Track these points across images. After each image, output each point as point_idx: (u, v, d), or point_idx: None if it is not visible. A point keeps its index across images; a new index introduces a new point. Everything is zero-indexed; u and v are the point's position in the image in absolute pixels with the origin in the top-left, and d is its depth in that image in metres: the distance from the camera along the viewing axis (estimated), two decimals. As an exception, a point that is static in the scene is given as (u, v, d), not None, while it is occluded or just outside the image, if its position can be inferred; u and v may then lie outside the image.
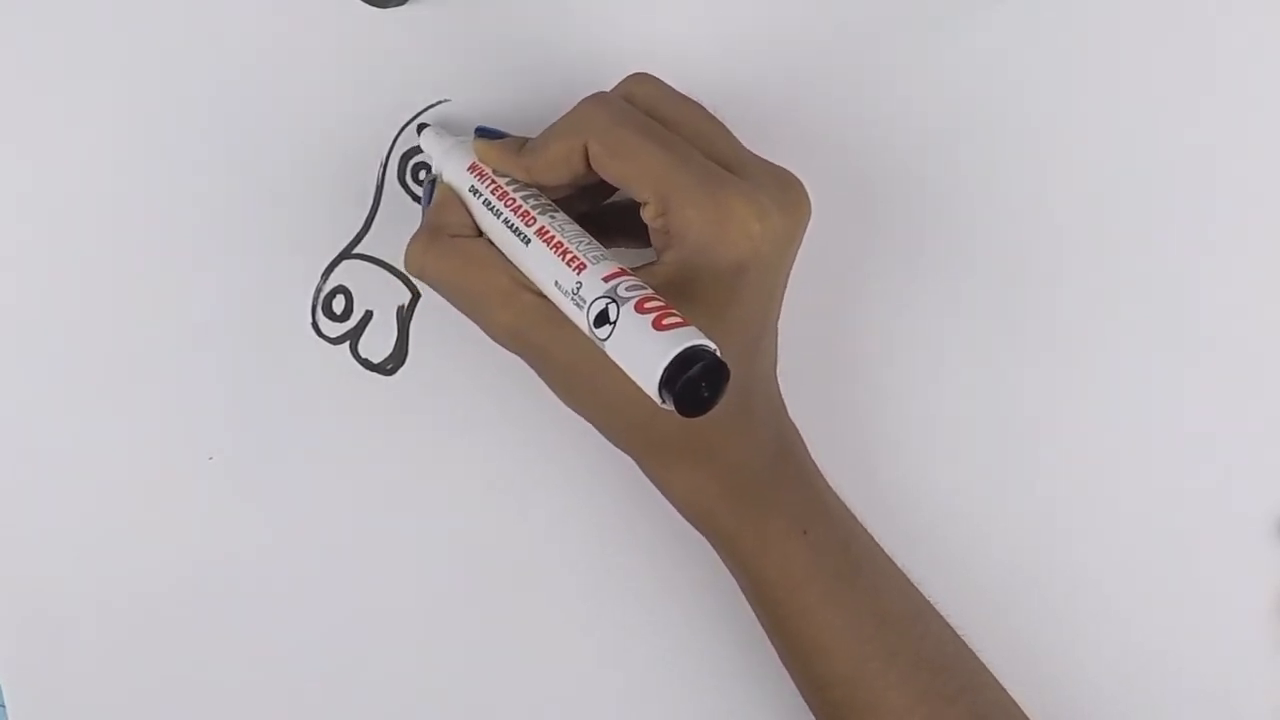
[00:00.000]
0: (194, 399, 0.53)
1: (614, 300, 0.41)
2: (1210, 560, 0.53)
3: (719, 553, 0.49)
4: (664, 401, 0.40)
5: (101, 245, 0.53)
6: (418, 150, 0.53)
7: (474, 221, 0.48)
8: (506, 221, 0.46)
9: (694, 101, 0.48)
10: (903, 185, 0.53)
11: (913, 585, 0.49)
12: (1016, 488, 0.53)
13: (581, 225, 0.46)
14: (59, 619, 0.54)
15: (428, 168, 0.53)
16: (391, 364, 0.53)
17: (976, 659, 0.49)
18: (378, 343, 0.53)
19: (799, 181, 0.47)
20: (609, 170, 0.45)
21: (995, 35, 0.53)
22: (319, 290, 0.53)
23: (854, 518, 0.49)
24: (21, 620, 0.54)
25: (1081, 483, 0.53)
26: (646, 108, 0.46)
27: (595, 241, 0.45)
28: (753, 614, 0.49)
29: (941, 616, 0.49)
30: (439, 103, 0.53)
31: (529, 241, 0.45)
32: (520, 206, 0.46)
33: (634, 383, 0.41)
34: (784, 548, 0.47)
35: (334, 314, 0.53)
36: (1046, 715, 0.50)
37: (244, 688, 0.54)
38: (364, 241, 0.53)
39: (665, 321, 0.40)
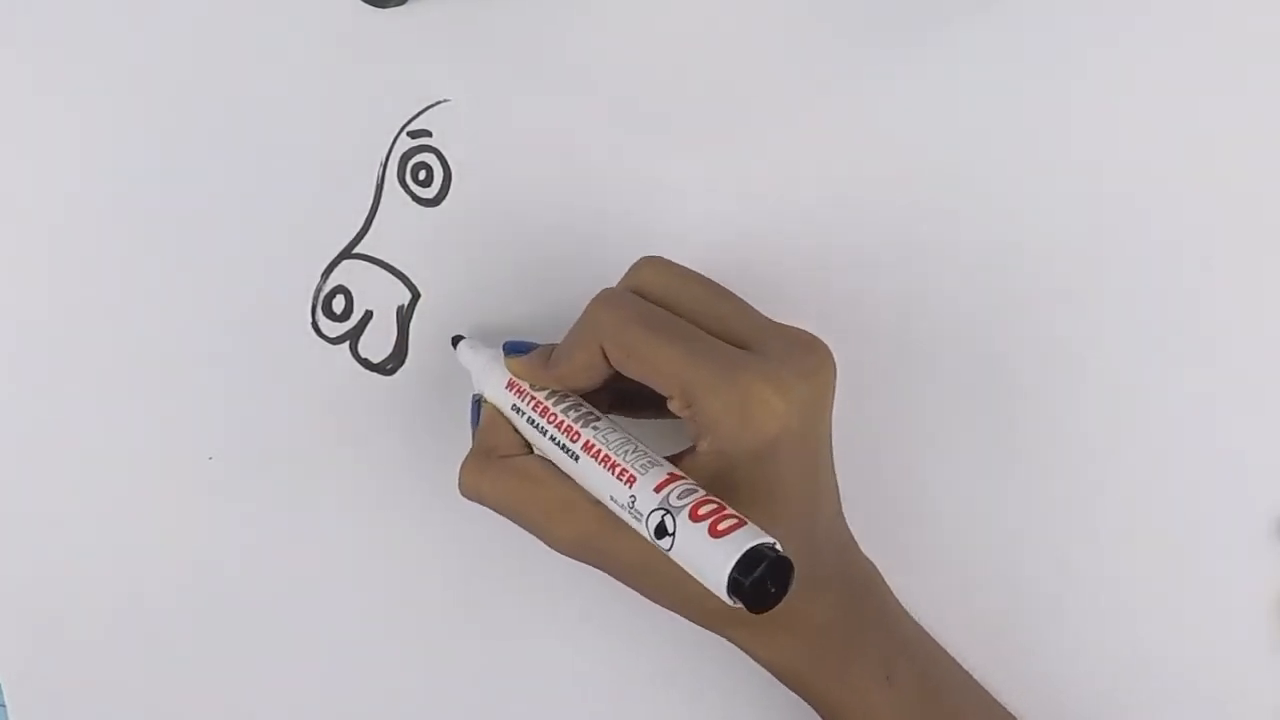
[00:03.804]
0: (194, 399, 0.53)
1: (668, 511, 0.42)
2: (1210, 560, 0.53)
3: (809, 704, 0.49)
4: (734, 603, 0.40)
5: (101, 245, 0.53)
6: (418, 150, 0.53)
7: (522, 439, 0.48)
8: (553, 439, 0.46)
9: (703, 279, 0.48)
10: (901, 203, 0.53)
11: (983, 689, 0.50)
12: (1015, 486, 0.53)
13: (618, 403, 0.47)
14: (59, 619, 0.54)
15: (428, 168, 0.53)
16: (391, 364, 0.53)
17: None
18: (377, 342, 0.53)
19: (819, 342, 0.47)
20: (629, 370, 0.45)
21: (989, 36, 0.53)
22: (319, 290, 0.53)
23: (927, 634, 0.50)
24: (21, 620, 0.54)
25: (1081, 483, 0.53)
26: (657, 295, 0.47)
27: (640, 445, 0.45)
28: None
29: (1003, 708, 0.50)
30: (439, 103, 0.53)
31: (578, 458, 0.45)
32: (563, 423, 0.46)
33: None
34: (868, 699, 0.47)
35: (334, 314, 0.53)
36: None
37: (243, 687, 0.54)
38: (364, 241, 0.53)
39: (720, 527, 0.41)
